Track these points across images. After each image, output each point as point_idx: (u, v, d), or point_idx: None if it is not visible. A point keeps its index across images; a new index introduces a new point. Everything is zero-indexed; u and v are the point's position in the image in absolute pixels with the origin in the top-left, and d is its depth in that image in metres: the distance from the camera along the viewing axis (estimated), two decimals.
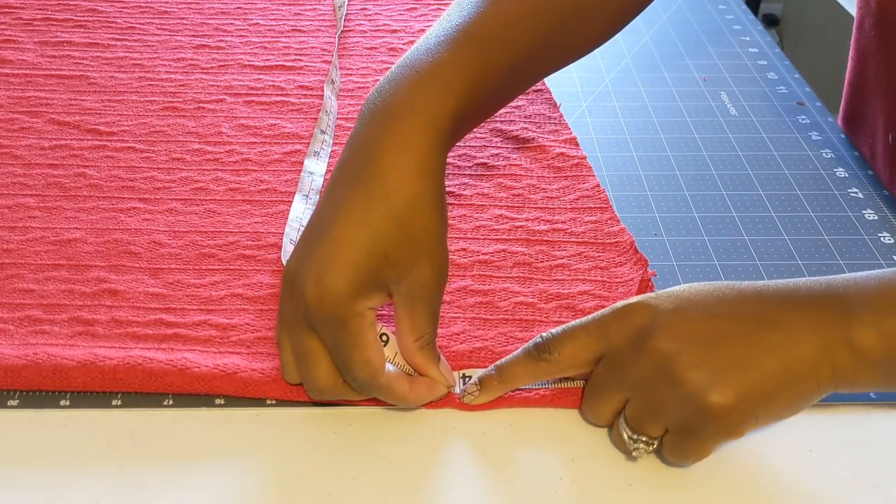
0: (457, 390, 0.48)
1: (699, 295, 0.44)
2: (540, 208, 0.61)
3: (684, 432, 0.42)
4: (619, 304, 0.45)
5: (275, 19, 0.86)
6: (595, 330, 0.45)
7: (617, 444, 0.45)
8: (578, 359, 0.45)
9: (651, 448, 0.43)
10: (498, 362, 0.47)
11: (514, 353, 0.47)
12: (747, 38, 0.87)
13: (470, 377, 0.48)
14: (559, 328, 0.46)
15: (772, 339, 0.42)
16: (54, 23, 0.83)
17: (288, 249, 0.55)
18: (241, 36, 0.83)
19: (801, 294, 0.43)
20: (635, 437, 0.43)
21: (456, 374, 0.48)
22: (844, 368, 0.42)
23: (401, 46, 0.81)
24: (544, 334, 0.46)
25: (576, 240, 0.58)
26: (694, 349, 0.42)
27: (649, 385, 0.42)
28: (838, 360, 0.42)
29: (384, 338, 0.46)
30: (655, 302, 0.44)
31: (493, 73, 0.47)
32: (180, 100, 0.73)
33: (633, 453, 0.43)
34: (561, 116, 0.71)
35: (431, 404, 0.47)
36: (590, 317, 0.45)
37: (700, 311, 0.43)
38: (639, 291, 0.54)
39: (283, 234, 0.58)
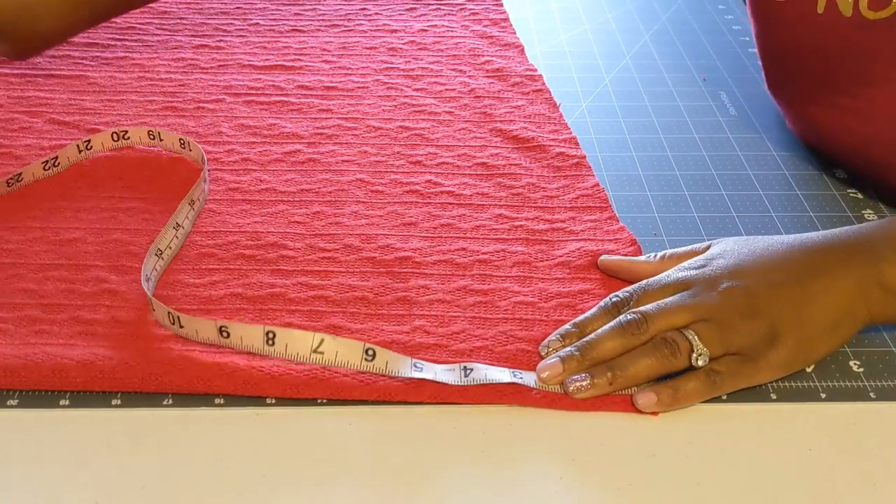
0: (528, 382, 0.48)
1: (755, 241, 0.52)
2: (539, 207, 0.61)
3: (746, 358, 0.47)
4: (694, 263, 0.51)
5: (275, 19, 0.86)
6: (678, 286, 0.50)
7: (672, 354, 0.47)
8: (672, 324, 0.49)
9: (703, 364, 0.47)
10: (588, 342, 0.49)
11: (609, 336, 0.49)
12: (747, 39, 0.87)
13: (472, 369, 0.48)
14: (651, 306, 0.49)
15: (818, 285, 0.48)
16: None
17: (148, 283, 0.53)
18: (241, 36, 0.83)
19: (837, 242, 0.51)
20: (704, 348, 0.47)
21: (456, 366, 0.48)
22: (878, 303, 0.49)
23: (401, 46, 0.81)
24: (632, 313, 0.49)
25: (575, 238, 0.58)
26: (764, 288, 0.49)
27: (725, 314, 0.48)
28: (872, 297, 0.49)
29: (370, 353, 0.47)
30: (726, 251, 0.51)
31: None
32: (180, 100, 0.73)
33: (699, 362, 0.47)
34: (560, 116, 0.71)
35: (432, 399, 0.47)
36: (667, 278, 0.51)
37: (764, 256, 0.50)
38: None
39: (282, 233, 0.58)
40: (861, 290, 0.49)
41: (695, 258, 0.52)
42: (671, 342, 0.47)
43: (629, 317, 0.49)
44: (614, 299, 0.51)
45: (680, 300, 0.49)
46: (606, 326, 0.49)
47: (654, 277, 0.51)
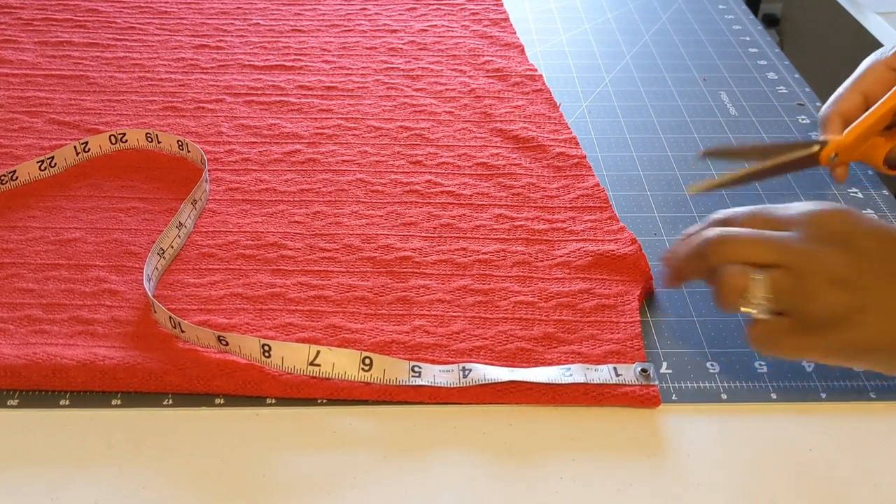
0: None
1: (892, 229, 0.45)
2: (539, 207, 0.61)
3: (804, 327, 0.43)
4: (820, 205, 0.45)
5: (275, 19, 0.86)
6: (786, 223, 0.45)
7: (727, 290, 0.44)
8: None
9: (758, 313, 0.43)
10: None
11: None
12: (747, 38, 0.87)
13: (470, 370, 0.48)
14: (734, 231, 0.45)
15: None
16: (54, 23, 0.83)
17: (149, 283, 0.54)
18: (241, 36, 0.83)
19: None
20: (763, 297, 0.43)
21: (455, 366, 0.48)
22: None
23: (401, 46, 0.81)
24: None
25: (575, 238, 0.58)
26: (871, 272, 0.43)
27: (813, 272, 0.43)
28: None
29: (367, 361, 0.47)
30: (854, 216, 0.45)
31: None
32: (180, 100, 0.73)
33: (744, 308, 0.43)
34: (561, 116, 0.71)
35: (432, 399, 0.47)
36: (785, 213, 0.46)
37: (892, 244, 0.44)
38: (640, 292, 0.54)
39: (282, 233, 0.58)
40: None
41: (826, 203, 0.46)
42: (730, 276, 0.44)
43: (708, 235, 0.45)
44: (721, 214, 0.48)
45: (770, 237, 0.44)
46: (687, 242, 0.47)
47: (769, 207, 0.47)
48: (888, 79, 0.62)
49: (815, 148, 0.58)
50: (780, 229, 0.45)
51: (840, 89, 0.63)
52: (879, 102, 0.59)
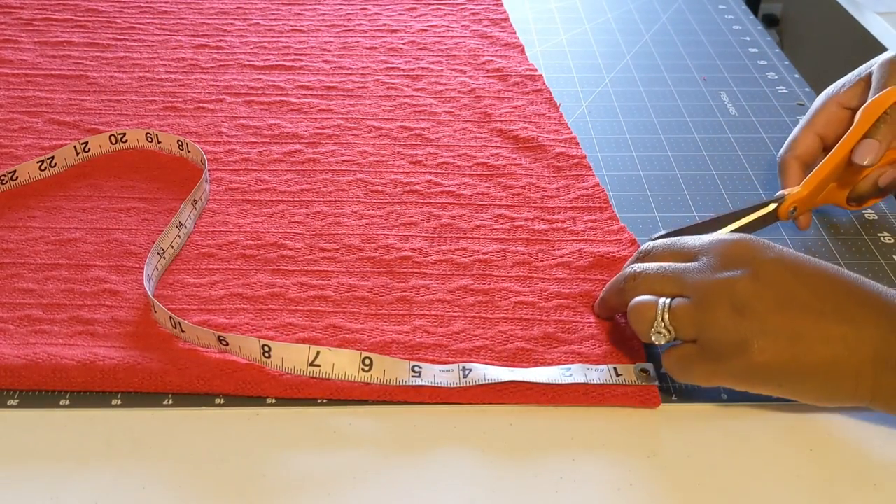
0: None
1: (797, 258, 0.46)
2: (540, 207, 0.61)
3: (709, 353, 0.44)
4: (725, 235, 0.47)
5: (275, 19, 0.86)
6: (688, 254, 0.48)
7: (637, 320, 0.46)
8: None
9: (668, 341, 0.45)
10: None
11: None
12: (747, 38, 0.87)
13: (470, 370, 0.48)
14: (650, 267, 0.48)
15: (837, 331, 0.43)
16: (54, 23, 0.83)
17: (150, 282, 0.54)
18: (241, 36, 0.83)
19: (883, 303, 0.44)
20: (667, 326, 0.45)
21: (455, 366, 0.48)
22: (886, 390, 0.43)
23: (401, 46, 0.81)
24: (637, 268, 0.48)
25: (575, 239, 0.58)
26: (770, 299, 0.43)
27: (714, 299, 0.44)
28: (883, 381, 0.43)
29: (367, 362, 0.47)
30: (757, 245, 0.46)
31: None
32: (180, 100, 0.73)
33: (654, 338, 0.45)
34: (561, 116, 0.71)
35: (432, 399, 0.47)
36: (691, 245, 0.48)
37: (792, 272, 0.45)
38: None
39: (282, 233, 0.58)
40: (876, 367, 0.42)
41: (732, 234, 0.48)
42: (639, 308, 0.46)
43: (626, 272, 0.49)
44: (645, 246, 0.51)
45: (675, 269, 0.47)
46: (616, 276, 0.50)
47: (682, 238, 0.49)
48: (842, 118, 0.60)
49: (772, 206, 0.57)
50: (691, 259, 0.47)
51: (795, 131, 0.62)
52: (832, 152, 0.57)
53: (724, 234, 0.47)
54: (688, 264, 0.47)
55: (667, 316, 0.45)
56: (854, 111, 0.59)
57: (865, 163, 0.56)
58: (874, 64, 0.60)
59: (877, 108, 0.56)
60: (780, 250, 0.46)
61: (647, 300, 0.46)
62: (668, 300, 0.45)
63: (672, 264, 0.47)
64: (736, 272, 0.44)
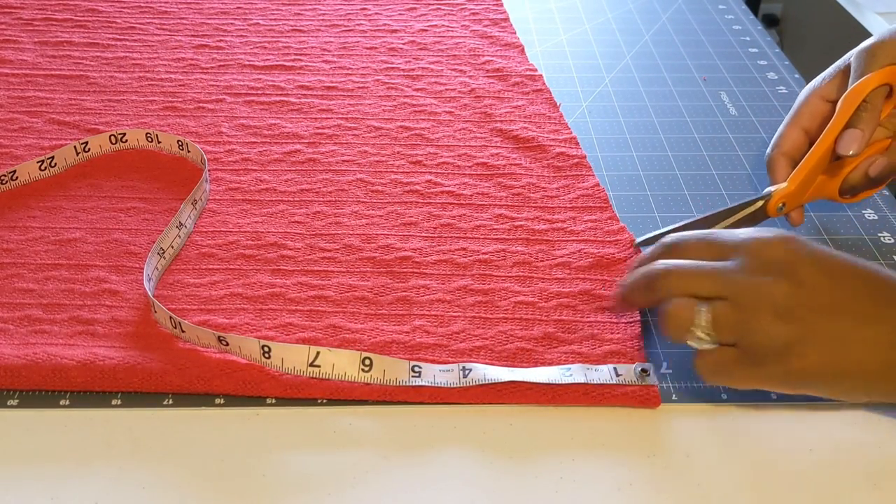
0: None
1: (833, 258, 0.45)
2: (540, 207, 0.61)
3: (750, 358, 0.44)
4: (762, 232, 0.46)
5: (275, 19, 0.86)
6: (724, 249, 0.46)
7: (673, 324, 0.45)
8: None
9: (706, 346, 0.44)
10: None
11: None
12: (747, 38, 0.87)
13: (470, 370, 0.48)
14: (679, 264, 0.46)
15: (874, 332, 0.43)
16: (54, 23, 0.83)
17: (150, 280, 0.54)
18: (241, 36, 0.83)
19: None
20: (707, 330, 0.44)
21: (455, 366, 0.48)
22: None
23: (401, 46, 0.81)
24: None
25: (576, 239, 0.58)
26: (811, 305, 0.43)
27: (755, 305, 0.43)
28: None
29: (367, 362, 0.47)
30: (793, 244, 0.45)
31: None
32: (180, 100, 0.73)
33: (690, 341, 0.44)
34: (561, 116, 0.71)
35: (432, 399, 0.47)
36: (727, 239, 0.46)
37: (829, 274, 0.44)
38: None
39: (282, 233, 0.58)
40: None
41: (769, 229, 0.47)
42: (676, 311, 0.45)
43: (654, 269, 0.47)
44: (670, 239, 0.49)
45: (713, 269, 0.45)
46: (637, 273, 0.48)
47: (716, 233, 0.48)
48: (825, 111, 0.60)
49: (759, 204, 0.57)
50: (726, 256, 0.46)
51: (781, 127, 0.61)
52: (815, 145, 0.57)
53: (761, 230, 0.46)
54: (724, 263, 0.45)
55: (707, 321, 0.44)
56: (836, 103, 0.58)
57: (850, 153, 0.55)
58: (853, 54, 0.60)
59: (856, 97, 0.56)
60: (820, 250, 0.45)
61: (685, 303, 0.45)
62: (707, 305, 0.44)
63: (707, 263, 0.46)
64: (777, 276, 0.44)
